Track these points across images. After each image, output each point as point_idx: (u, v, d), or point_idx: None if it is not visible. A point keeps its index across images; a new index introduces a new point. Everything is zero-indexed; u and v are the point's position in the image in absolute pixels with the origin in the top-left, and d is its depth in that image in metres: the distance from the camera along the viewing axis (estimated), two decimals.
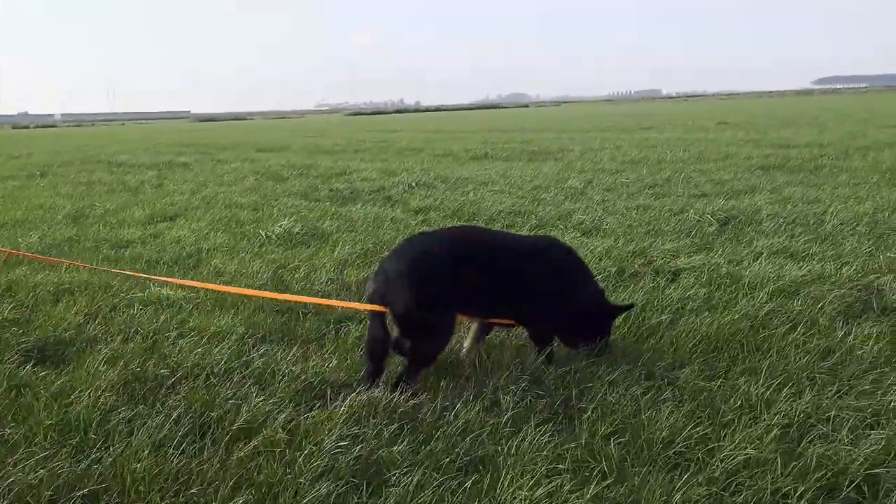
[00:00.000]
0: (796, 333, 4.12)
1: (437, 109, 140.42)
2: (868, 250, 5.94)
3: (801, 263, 5.57)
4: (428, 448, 2.99)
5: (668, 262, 5.79)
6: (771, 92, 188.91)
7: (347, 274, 5.75)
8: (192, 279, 5.63)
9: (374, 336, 3.59)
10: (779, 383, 3.44)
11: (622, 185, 11.00)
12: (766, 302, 4.72)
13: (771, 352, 3.92)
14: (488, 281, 3.71)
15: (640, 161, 15.06)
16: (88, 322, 4.61)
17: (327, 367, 3.88)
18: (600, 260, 5.93)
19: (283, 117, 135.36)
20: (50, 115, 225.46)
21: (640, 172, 12.71)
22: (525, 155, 17.99)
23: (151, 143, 30.62)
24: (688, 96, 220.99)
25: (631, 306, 4.25)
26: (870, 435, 2.96)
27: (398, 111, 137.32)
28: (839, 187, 9.93)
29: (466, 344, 4.07)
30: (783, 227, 7.09)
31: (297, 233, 7.29)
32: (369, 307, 3.61)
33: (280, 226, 7.54)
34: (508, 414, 3.25)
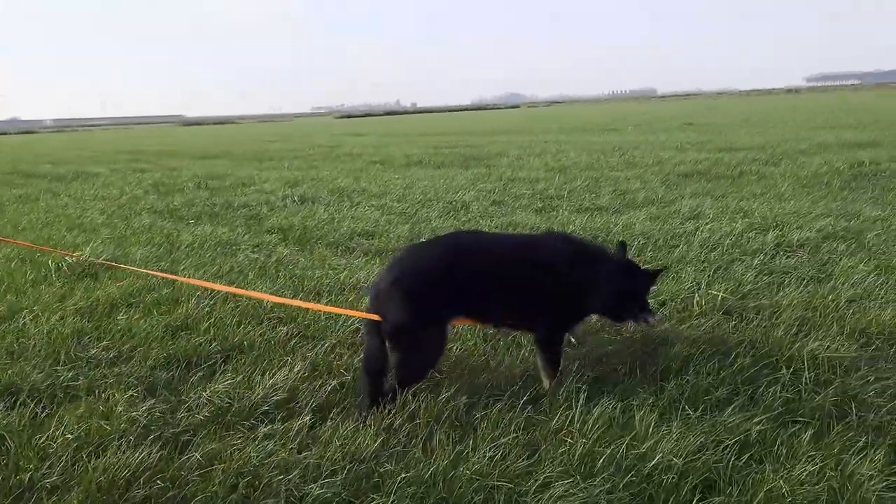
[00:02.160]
0: None
1: (427, 111, 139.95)
2: (691, 285, 5.15)
3: None
4: None
5: None
6: (761, 90, 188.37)
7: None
8: None
9: (372, 350, 3.47)
10: None
11: (519, 196, 10.24)
12: None
13: None
14: (487, 286, 3.54)
15: (569, 167, 14.34)
16: None
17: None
18: None
19: (272, 121, 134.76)
20: (40, 120, 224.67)
21: (555, 181, 11.98)
22: (459, 161, 17.27)
23: (101, 151, 29.95)
24: (681, 95, 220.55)
25: (661, 270, 4.00)
26: None
27: (388, 113, 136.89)
28: (743, 199, 9.18)
29: None
30: (633, 252, 6.31)
31: (93, 263, 6.50)
32: (367, 315, 3.48)
33: (80, 253, 6.75)
34: None
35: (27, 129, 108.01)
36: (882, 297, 4.63)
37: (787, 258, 5.84)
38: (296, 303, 4.71)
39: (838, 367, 3.56)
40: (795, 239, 6.35)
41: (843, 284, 4.97)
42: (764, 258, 5.85)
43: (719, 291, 4.82)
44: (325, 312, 4.66)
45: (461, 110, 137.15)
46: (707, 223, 7.35)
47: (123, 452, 3.04)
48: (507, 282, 3.53)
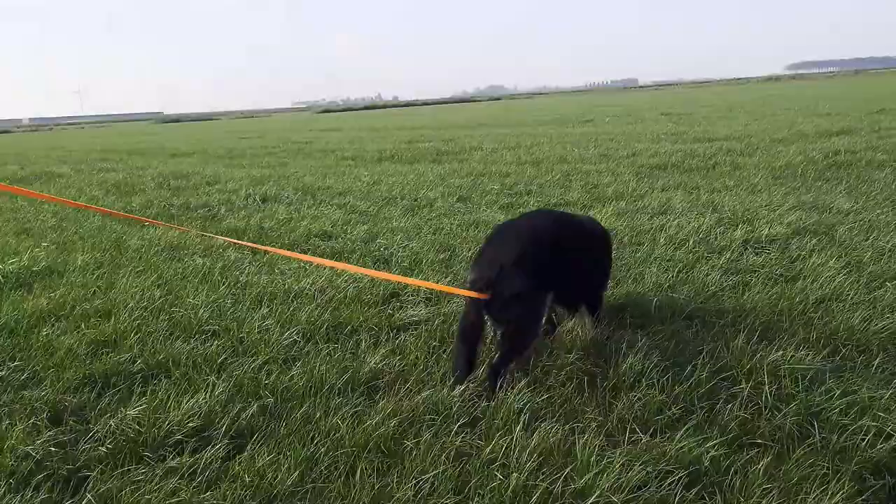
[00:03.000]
0: None
1: (408, 105, 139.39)
2: (652, 287, 4.88)
3: None
4: None
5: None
6: (742, 79, 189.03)
7: None
8: None
9: (471, 322, 3.48)
10: None
11: (487, 192, 9.93)
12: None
13: None
14: (570, 263, 3.72)
15: (542, 160, 14.06)
16: None
17: None
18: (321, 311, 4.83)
19: (252, 116, 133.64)
20: (18, 119, 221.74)
21: (525, 175, 11.71)
22: (432, 155, 16.96)
23: (72, 150, 29.36)
24: (661, 85, 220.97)
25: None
26: None
27: (368, 107, 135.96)
28: (715, 192, 8.94)
29: None
30: None
31: (32, 272, 6.13)
32: (471, 293, 3.45)
33: (14, 262, 6.37)
34: None
35: (2, 129, 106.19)
36: (851, 299, 4.36)
37: (755, 255, 5.56)
38: (407, 280, 4.85)
39: (801, 379, 3.28)
40: (765, 234, 6.08)
41: (811, 284, 4.71)
42: (731, 255, 5.58)
43: (681, 294, 4.54)
44: (420, 287, 4.80)
45: (442, 103, 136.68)
46: (675, 218, 7.08)
47: (2, 498, 2.71)
48: (580, 258, 3.89)
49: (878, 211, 6.83)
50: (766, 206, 7.50)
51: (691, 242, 6.01)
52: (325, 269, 5.80)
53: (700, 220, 6.88)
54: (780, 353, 3.52)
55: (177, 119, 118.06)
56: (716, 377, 3.36)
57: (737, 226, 6.57)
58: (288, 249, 6.73)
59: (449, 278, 5.39)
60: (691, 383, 3.31)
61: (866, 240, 5.76)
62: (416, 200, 9.45)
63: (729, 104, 36.80)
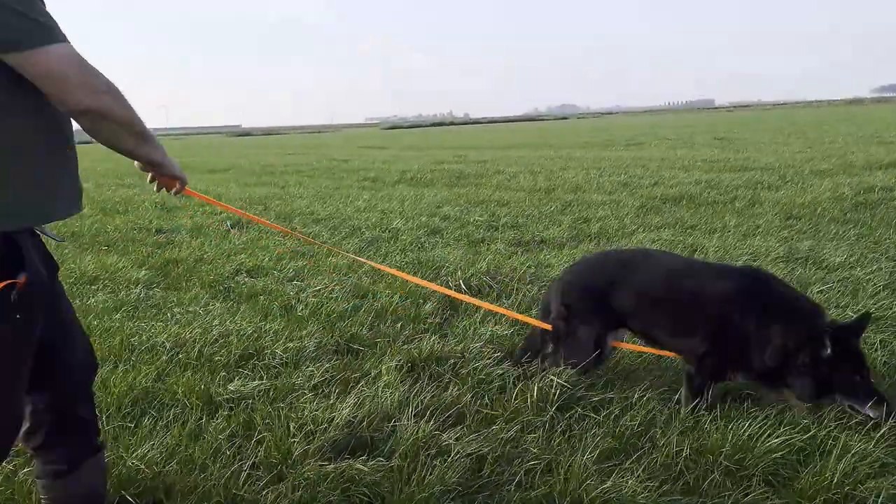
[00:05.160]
0: None
1: (474, 122, 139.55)
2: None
3: None
4: None
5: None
6: (822, 101, 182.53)
7: None
8: None
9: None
10: None
11: (469, 223, 9.20)
12: None
13: None
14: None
15: (554, 188, 13.27)
16: None
17: None
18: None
19: (321, 131, 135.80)
20: None
21: (526, 203, 10.96)
22: (451, 178, 16.33)
23: (109, 169, 29.82)
24: (738, 106, 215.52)
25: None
26: None
27: (435, 124, 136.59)
28: (714, 232, 8.00)
29: None
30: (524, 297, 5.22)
31: None
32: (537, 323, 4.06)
33: None
34: None
35: (83, 140, 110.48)
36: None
37: None
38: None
39: None
40: None
41: None
42: None
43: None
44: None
45: (510, 121, 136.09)
46: None
47: None
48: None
49: (873, 267, 5.82)
50: (749, 254, 6.55)
51: None
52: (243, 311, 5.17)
53: None
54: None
55: (246, 133, 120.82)
56: None
57: None
58: (208, 288, 6.16)
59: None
60: None
61: (837, 306, 4.81)
62: (386, 231, 8.80)
63: (792, 129, 35.02)
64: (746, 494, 2.63)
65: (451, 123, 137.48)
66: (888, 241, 6.99)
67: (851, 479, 2.62)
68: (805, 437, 2.94)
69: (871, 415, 3.00)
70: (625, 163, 18.41)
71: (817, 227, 8.07)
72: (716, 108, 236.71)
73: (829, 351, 3.05)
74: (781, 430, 2.98)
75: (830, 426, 3.05)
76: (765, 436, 2.94)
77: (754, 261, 6.23)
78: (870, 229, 7.65)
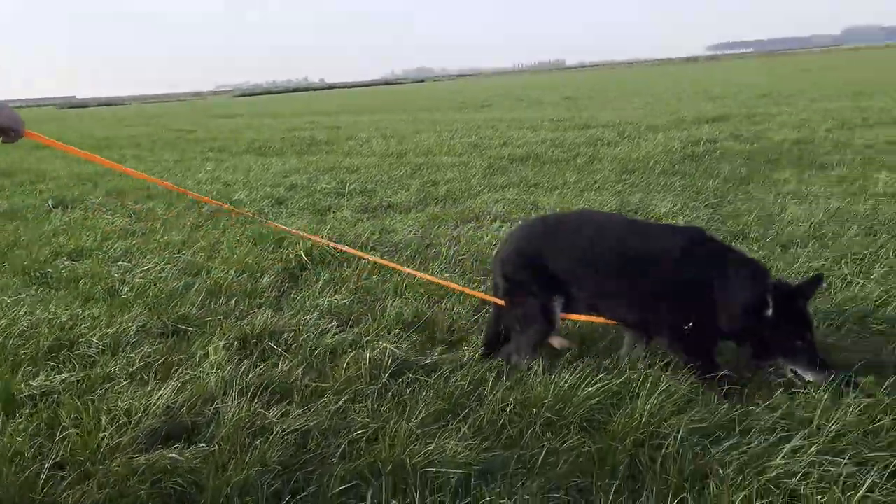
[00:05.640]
0: None
1: (335, 87, 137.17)
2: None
3: None
4: None
5: None
6: (664, 60, 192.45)
7: None
8: None
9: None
10: None
11: (317, 192, 9.00)
12: None
13: None
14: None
15: (406, 152, 13.21)
16: None
17: None
18: None
19: (164, 101, 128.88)
20: None
21: (377, 169, 10.85)
22: (302, 145, 15.95)
23: None
24: (587, 66, 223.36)
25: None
26: None
27: (290, 90, 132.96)
28: (555, 189, 8.26)
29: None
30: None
31: None
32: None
33: None
34: None
35: None
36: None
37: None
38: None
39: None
40: None
41: None
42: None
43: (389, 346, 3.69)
44: None
45: (366, 86, 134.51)
46: (469, 228, 6.30)
47: None
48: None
49: (693, 215, 6.19)
50: (559, 206, 6.80)
51: (469, 264, 5.21)
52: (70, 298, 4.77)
53: (507, 229, 6.11)
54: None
55: (82, 104, 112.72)
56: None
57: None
58: (23, 276, 5.67)
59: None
60: None
61: None
62: (227, 202, 8.44)
63: (634, 88, 36.71)
64: (564, 442, 2.71)
65: (307, 89, 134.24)
66: (708, 189, 7.46)
67: (657, 417, 2.76)
68: (619, 381, 3.06)
69: (811, 379, 2.94)
70: (476, 124, 18.64)
71: (649, 179, 8.49)
72: (567, 68, 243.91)
73: (771, 312, 2.95)
74: (599, 376, 3.10)
75: (642, 368, 3.20)
76: (583, 384, 3.04)
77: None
78: (693, 179, 8.14)
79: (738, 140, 11.00)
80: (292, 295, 4.76)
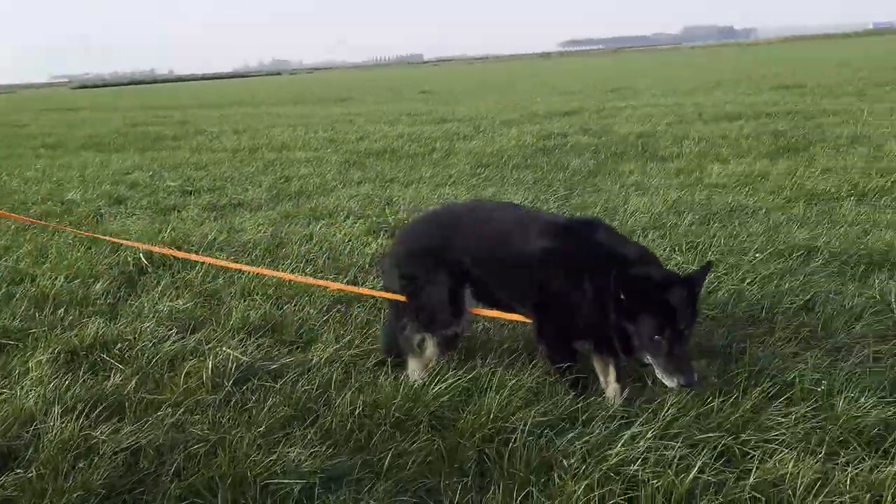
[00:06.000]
0: None
1: (180, 80, 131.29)
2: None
3: None
4: None
5: None
6: (519, 55, 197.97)
7: None
8: None
9: None
10: None
11: (162, 189, 8.54)
12: None
13: None
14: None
15: (259, 147, 12.81)
16: None
17: None
18: None
19: None
20: None
21: (227, 165, 10.45)
22: (147, 141, 15.21)
23: None
24: (444, 60, 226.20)
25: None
26: None
27: (135, 82, 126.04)
28: (410, 184, 8.24)
29: None
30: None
31: None
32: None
33: None
34: None
35: None
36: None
37: (378, 278, 4.71)
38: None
39: None
40: None
41: None
42: (349, 276, 4.71)
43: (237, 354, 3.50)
44: None
45: (221, 78, 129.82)
46: (322, 225, 6.17)
47: None
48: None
49: (543, 208, 6.35)
50: (439, 204, 6.80)
51: (321, 262, 5.07)
52: None
53: (361, 225, 6.01)
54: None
55: None
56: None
57: (392, 233, 5.76)
58: None
59: None
60: None
61: None
62: (59, 204, 7.84)
63: (489, 82, 37.49)
64: (414, 442, 2.66)
65: (154, 81, 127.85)
66: (559, 182, 7.69)
67: (505, 412, 2.76)
68: (469, 377, 3.05)
69: (666, 382, 2.71)
70: (333, 119, 18.40)
71: (502, 173, 8.64)
72: (424, 62, 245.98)
73: (624, 301, 2.74)
74: (449, 373, 3.07)
75: (492, 363, 3.20)
76: (434, 382, 3.01)
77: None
78: (545, 173, 8.37)
79: (587, 134, 11.42)
80: (129, 301, 4.45)
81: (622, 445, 2.48)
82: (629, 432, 2.56)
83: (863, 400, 2.74)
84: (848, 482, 2.30)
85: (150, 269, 5.02)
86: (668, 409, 2.70)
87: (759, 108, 13.68)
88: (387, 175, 9.00)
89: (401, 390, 2.97)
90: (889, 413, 2.68)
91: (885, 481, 2.28)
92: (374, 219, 6.30)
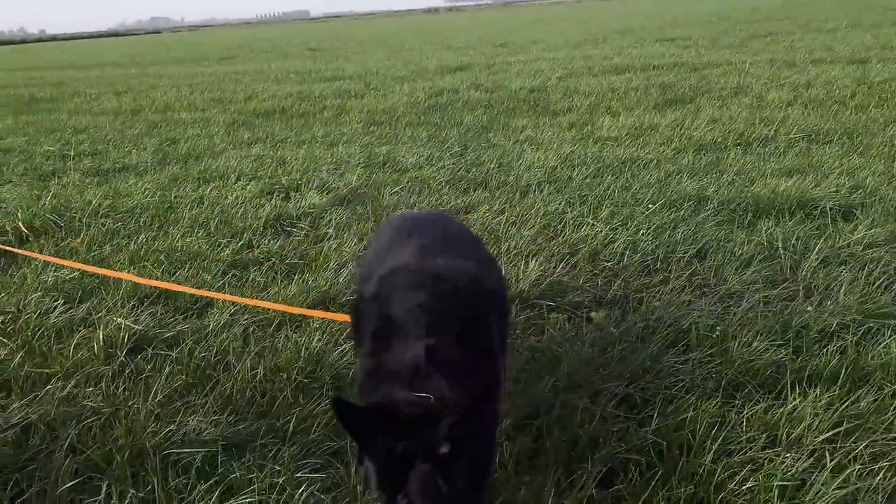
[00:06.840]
0: None
1: (53, 39, 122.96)
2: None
3: None
4: None
5: None
6: (405, 11, 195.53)
7: None
8: None
9: None
10: None
11: (40, 154, 8.06)
12: None
13: None
14: None
15: (142, 109, 12.26)
16: None
17: None
18: None
19: None
20: None
21: (108, 128, 9.92)
22: (18, 104, 14.21)
23: None
24: (331, 17, 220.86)
25: None
26: None
27: (1, 42, 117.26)
28: (302, 144, 8.08)
29: None
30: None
31: None
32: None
33: None
34: None
35: None
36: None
37: (273, 240, 4.66)
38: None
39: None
40: (302, 207, 5.24)
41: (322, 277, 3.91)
42: (241, 244, 4.61)
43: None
44: None
45: (97, 37, 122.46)
46: (212, 188, 6.00)
47: None
48: None
49: (439, 165, 6.39)
50: (332, 163, 6.73)
51: (213, 226, 4.95)
52: None
53: (253, 187, 5.88)
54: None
55: None
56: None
57: (286, 194, 5.68)
58: None
59: None
60: None
61: (407, 205, 5.18)
62: None
63: (378, 38, 36.91)
64: (318, 405, 2.69)
65: (24, 41, 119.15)
66: (452, 139, 7.72)
67: None
68: None
69: None
70: (219, 78, 17.72)
71: (396, 131, 8.59)
72: (311, 19, 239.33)
73: None
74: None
75: None
76: (335, 347, 3.03)
77: (337, 169, 6.43)
78: (438, 130, 8.38)
79: (478, 90, 11.46)
80: (10, 272, 4.23)
81: (527, 397, 2.59)
82: (538, 387, 2.67)
83: (755, 344, 2.92)
84: (744, 423, 2.45)
85: (31, 238, 4.78)
86: (573, 361, 2.82)
87: (646, 61, 14.00)
88: (277, 135, 8.79)
89: (303, 353, 2.98)
90: (780, 355, 2.84)
91: (779, 421, 2.44)
92: (267, 180, 6.16)
